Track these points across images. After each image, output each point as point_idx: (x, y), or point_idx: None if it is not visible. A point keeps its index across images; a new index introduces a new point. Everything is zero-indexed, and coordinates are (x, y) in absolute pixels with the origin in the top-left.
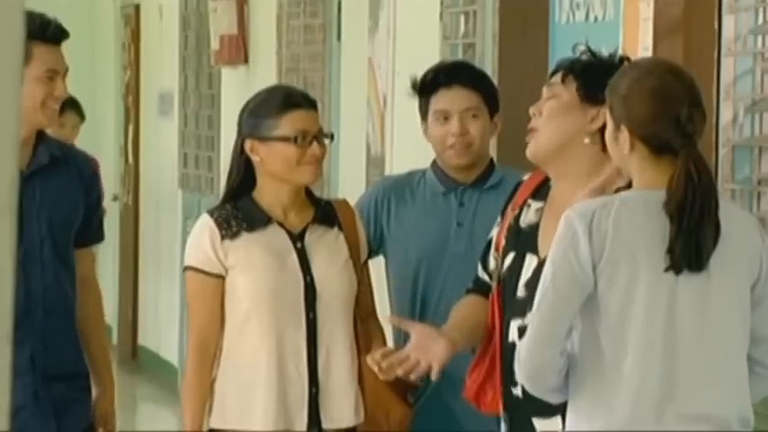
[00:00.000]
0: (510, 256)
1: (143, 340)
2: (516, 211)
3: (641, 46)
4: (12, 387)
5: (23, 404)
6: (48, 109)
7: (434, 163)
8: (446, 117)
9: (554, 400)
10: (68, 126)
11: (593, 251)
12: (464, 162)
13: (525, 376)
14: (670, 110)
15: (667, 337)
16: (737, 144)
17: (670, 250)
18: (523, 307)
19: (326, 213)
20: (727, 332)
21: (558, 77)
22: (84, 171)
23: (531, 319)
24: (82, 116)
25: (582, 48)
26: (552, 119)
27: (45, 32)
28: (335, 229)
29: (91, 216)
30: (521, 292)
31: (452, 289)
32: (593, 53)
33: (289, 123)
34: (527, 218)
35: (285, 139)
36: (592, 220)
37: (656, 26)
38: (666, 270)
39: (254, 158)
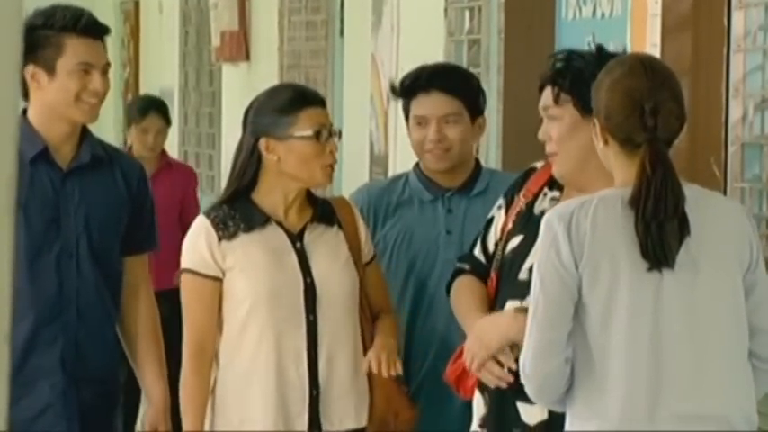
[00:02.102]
0: (517, 239)
1: None
2: (530, 198)
3: (649, 42)
4: (38, 385)
5: (50, 403)
6: (83, 104)
7: (417, 167)
8: (425, 122)
9: (561, 408)
10: (152, 131)
11: (573, 252)
12: (442, 166)
13: (535, 388)
14: (634, 102)
15: (653, 335)
16: (747, 142)
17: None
18: (524, 289)
19: (325, 212)
20: (720, 327)
21: (549, 99)
22: (131, 175)
23: (528, 329)
24: (167, 120)
25: (559, 55)
26: (563, 142)
27: (76, 25)
28: (335, 227)
29: (139, 222)
30: (524, 274)
31: (444, 296)
32: (572, 56)
33: (308, 120)
34: (542, 205)
35: (306, 137)
36: (570, 220)
37: (665, 22)
38: (650, 269)
39: (271, 158)
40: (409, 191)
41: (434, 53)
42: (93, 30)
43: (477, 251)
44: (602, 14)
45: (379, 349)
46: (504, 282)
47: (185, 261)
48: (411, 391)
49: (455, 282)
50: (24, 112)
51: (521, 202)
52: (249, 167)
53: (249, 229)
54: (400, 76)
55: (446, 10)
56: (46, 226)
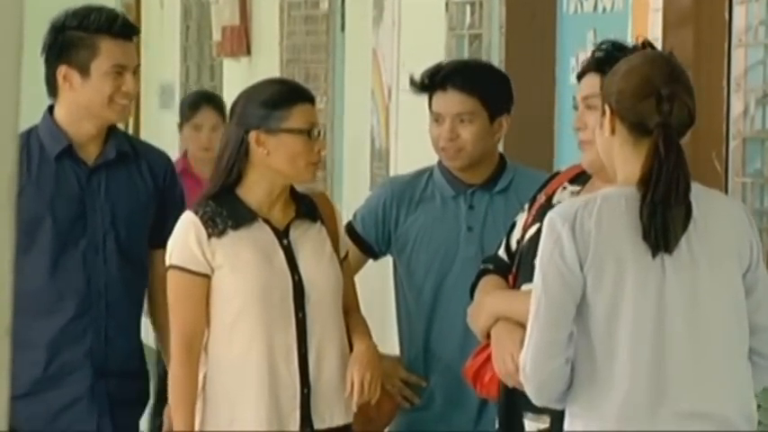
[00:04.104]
0: (534, 228)
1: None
2: (550, 193)
3: (651, 37)
4: (67, 379)
5: (79, 397)
6: (116, 104)
7: (441, 162)
8: (441, 120)
9: (560, 406)
10: (206, 127)
11: (578, 252)
12: (456, 165)
13: (534, 389)
14: (651, 86)
15: (656, 335)
16: (748, 137)
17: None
18: None
19: (308, 207)
20: (721, 327)
21: (591, 87)
22: (157, 168)
23: (529, 329)
24: (223, 115)
25: (603, 44)
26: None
27: (111, 27)
28: (318, 223)
29: (167, 215)
30: None
31: (463, 293)
32: (615, 46)
33: (300, 116)
34: (561, 197)
35: (299, 131)
36: (575, 220)
37: (666, 17)
38: (654, 256)
39: (261, 152)
40: (432, 186)
41: (436, 48)
42: (127, 31)
43: (501, 251)
44: (604, 9)
45: (363, 367)
46: (521, 267)
47: (173, 257)
48: (429, 387)
49: (479, 282)
50: (50, 109)
51: (542, 198)
52: (238, 161)
53: (237, 226)
54: (401, 71)
55: (447, 4)
56: (72, 222)
